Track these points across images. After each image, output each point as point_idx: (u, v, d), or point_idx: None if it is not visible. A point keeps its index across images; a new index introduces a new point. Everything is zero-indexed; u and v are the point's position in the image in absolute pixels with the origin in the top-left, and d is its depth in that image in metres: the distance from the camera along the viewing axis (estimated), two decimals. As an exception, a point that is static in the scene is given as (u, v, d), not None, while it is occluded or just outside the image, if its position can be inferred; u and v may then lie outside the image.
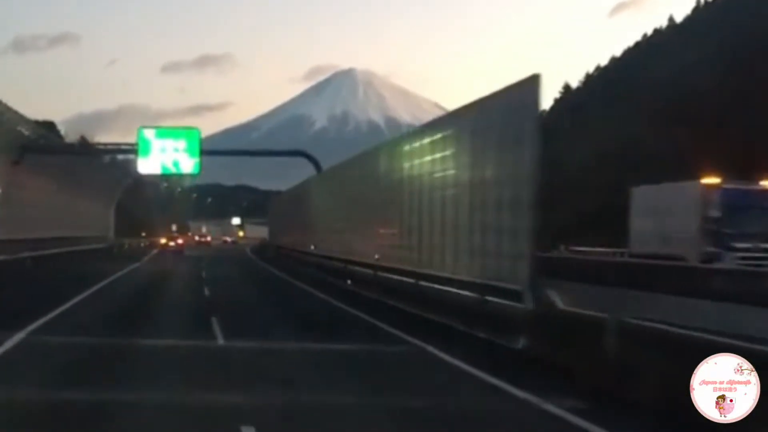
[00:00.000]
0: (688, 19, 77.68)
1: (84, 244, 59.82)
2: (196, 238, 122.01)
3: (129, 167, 77.01)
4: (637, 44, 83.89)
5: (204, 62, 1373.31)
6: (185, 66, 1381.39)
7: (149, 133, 48.25)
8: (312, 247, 43.48)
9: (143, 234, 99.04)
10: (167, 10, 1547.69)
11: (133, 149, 48.79)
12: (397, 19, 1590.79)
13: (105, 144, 53.53)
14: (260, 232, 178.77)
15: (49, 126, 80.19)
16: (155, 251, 73.21)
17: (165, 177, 49.33)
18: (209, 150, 53.28)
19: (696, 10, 77.65)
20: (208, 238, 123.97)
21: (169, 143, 48.08)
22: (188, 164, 48.43)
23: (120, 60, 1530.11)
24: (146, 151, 47.63)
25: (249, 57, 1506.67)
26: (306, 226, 46.55)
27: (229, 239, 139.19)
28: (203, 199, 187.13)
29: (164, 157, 48.00)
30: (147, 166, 48.77)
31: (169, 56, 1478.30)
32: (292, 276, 35.90)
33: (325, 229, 41.11)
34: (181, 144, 48.12)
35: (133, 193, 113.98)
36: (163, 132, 49.13)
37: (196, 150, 48.33)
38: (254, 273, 41.21)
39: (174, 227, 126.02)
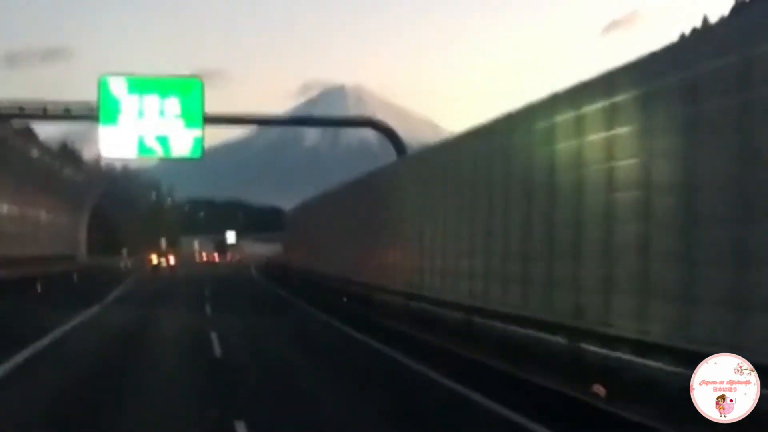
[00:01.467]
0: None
1: (32, 265, 39.76)
2: (204, 256, 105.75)
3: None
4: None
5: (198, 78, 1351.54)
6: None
7: (118, 86, 28.00)
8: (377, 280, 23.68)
9: (123, 251, 78.48)
10: (161, 25, 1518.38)
11: (89, 115, 28.64)
12: (390, 36, 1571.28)
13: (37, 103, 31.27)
14: (258, 250, 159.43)
15: (26, 132, 63.71)
16: (140, 274, 53.18)
17: (142, 157, 27.63)
18: (222, 116, 32.43)
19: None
20: (216, 258, 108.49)
21: (152, 104, 28.04)
22: (184, 141, 28.35)
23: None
24: (112, 116, 27.59)
25: (243, 73, 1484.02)
26: (390, 244, 26.47)
27: (235, 258, 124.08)
28: (194, 213, 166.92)
29: (143, 127, 27.98)
30: (114, 143, 28.44)
31: (163, 72, 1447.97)
32: (412, 357, 15.57)
33: (446, 252, 21.23)
34: (173, 106, 28.11)
35: (113, 201, 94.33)
36: (142, 83, 28.76)
37: (198, 116, 28.28)
38: (323, 341, 19.81)
39: (164, 243, 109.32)
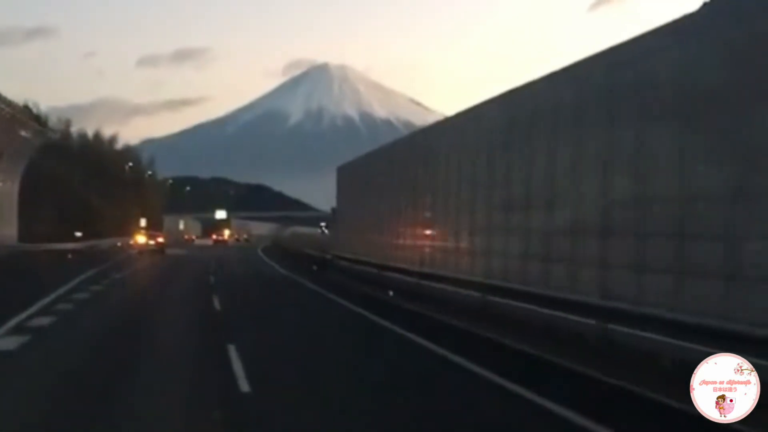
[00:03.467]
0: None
1: None
2: (213, 236, 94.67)
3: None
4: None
5: (182, 56, 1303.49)
6: (163, 59, 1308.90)
7: None
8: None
9: (78, 234, 54.11)
10: (146, 2, 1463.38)
11: None
12: (374, 14, 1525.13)
13: None
14: (254, 229, 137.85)
15: None
16: (92, 272, 29.20)
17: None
18: None
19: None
20: (225, 236, 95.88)
21: None
22: None
23: (97, 53, 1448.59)
24: None
25: (227, 51, 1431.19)
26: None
27: (243, 237, 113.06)
28: (177, 190, 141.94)
29: None
30: None
31: (147, 49, 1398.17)
32: None
33: None
34: None
35: (76, 170, 70.53)
36: None
37: None
38: None
39: (143, 222, 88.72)
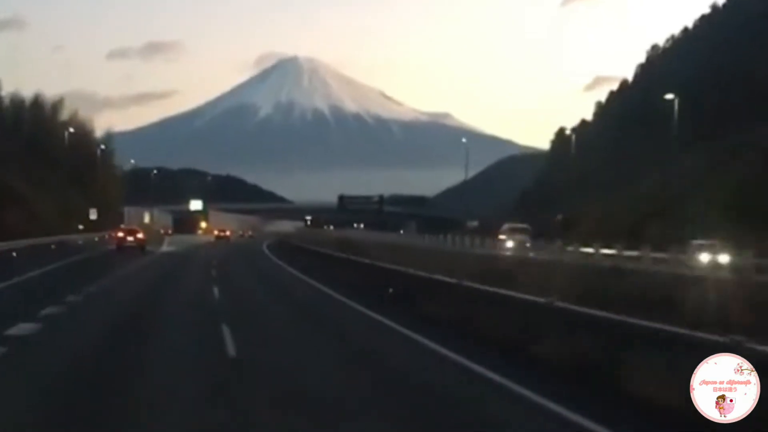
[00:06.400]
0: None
1: None
2: (215, 232, 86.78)
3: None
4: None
5: (152, 49, 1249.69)
6: (133, 53, 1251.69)
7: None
8: None
9: None
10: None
11: None
12: (345, 9, 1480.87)
13: None
14: (236, 223, 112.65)
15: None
16: None
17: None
18: None
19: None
20: (228, 233, 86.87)
21: None
22: None
23: (66, 45, 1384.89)
24: None
25: (198, 44, 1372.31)
26: None
27: (247, 233, 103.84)
28: (143, 178, 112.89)
29: None
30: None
31: (117, 42, 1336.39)
32: None
33: None
34: None
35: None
36: None
37: None
38: None
39: (93, 214, 67.46)
